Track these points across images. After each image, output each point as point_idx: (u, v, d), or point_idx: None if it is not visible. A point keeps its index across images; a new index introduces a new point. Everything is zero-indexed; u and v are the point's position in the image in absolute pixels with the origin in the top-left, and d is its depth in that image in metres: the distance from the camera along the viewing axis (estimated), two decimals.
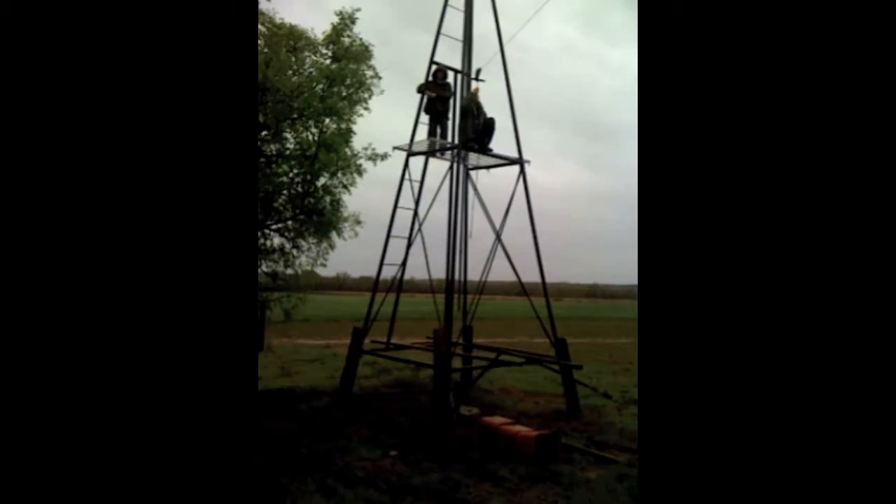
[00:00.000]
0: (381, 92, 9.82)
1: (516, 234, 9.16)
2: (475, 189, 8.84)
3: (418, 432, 6.52)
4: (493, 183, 10.31)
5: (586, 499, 4.64)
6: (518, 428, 6.06)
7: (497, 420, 6.37)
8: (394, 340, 9.18)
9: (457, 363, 8.91)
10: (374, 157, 9.89)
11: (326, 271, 11.79)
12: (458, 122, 8.37)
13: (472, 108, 8.27)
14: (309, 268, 10.81)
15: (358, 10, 9.62)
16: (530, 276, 8.75)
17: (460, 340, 9.42)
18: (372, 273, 8.91)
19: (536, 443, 5.62)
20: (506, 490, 4.85)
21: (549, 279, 8.72)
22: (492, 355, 8.76)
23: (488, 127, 8.47)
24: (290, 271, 10.36)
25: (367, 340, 8.73)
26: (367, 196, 11.22)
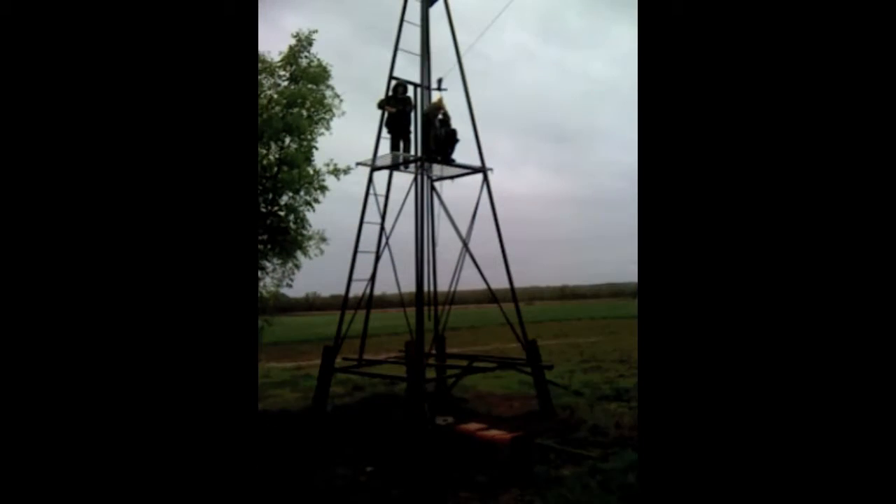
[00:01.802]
0: (343, 113, 9.92)
1: (485, 242, 9.32)
2: (440, 200, 8.96)
3: (394, 446, 6.52)
4: (459, 193, 10.49)
5: (560, 496, 4.76)
6: (493, 432, 6.15)
7: (472, 426, 6.44)
8: (366, 356, 9.13)
9: (430, 374, 8.94)
10: (335, 172, 9.91)
11: (296, 292, 11.68)
12: (420, 134, 8.49)
13: (437, 117, 8.36)
14: (274, 289, 10.66)
15: (315, 31, 9.70)
16: (501, 282, 8.92)
17: (433, 351, 9.46)
18: (341, 291, 8.86)
19: (511, 445, 5.73)
20: (483, 495, 4.93)
21: (519, 283, 8.88)
22: (465, 363, 8.83)
23: (451, 137, 8.62)
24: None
25: (338, 358, 8.65)
26: (333, 213, 11.20)
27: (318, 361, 8.65)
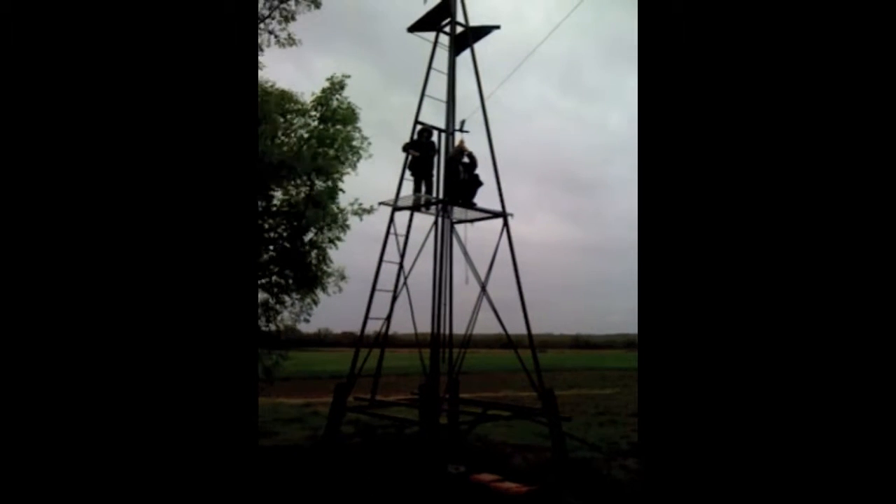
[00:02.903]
0: (370, 156, 10.29)
1: (499, 286, 9.30)
2: (460, 242, 9.03)
3: (405, 492, 6.30)
4: (476, 236, 10.58)
5: None
6: (508, 485, 5.94)
7: (486, 477, 6.24)
8: (378, 397, 8.98)
9: (443, 419, 8.72)
10: (359, 212, 10.15)
11: (307, 327, 11.66)
12: (444, 177, 8.69)
13: (462, 160, 8.56)
14: (291, 323, 10.71)
15: (348, 76, 10.21)
16: (513, 327, 8.81)
17: (446, 395, 9.27)
18: (353, 328, 8.88)
19: (526, 499, 5.50)
20: None
21: (533, 330, 8.77)
22: (478, 410, 8.61)
23: (474, 182, 8.79)
24: (272, 327, 10.23)
25: (350, 397, 8.51)
26: (349, 251, 11.37)
27: (327, 399, 8.53)
